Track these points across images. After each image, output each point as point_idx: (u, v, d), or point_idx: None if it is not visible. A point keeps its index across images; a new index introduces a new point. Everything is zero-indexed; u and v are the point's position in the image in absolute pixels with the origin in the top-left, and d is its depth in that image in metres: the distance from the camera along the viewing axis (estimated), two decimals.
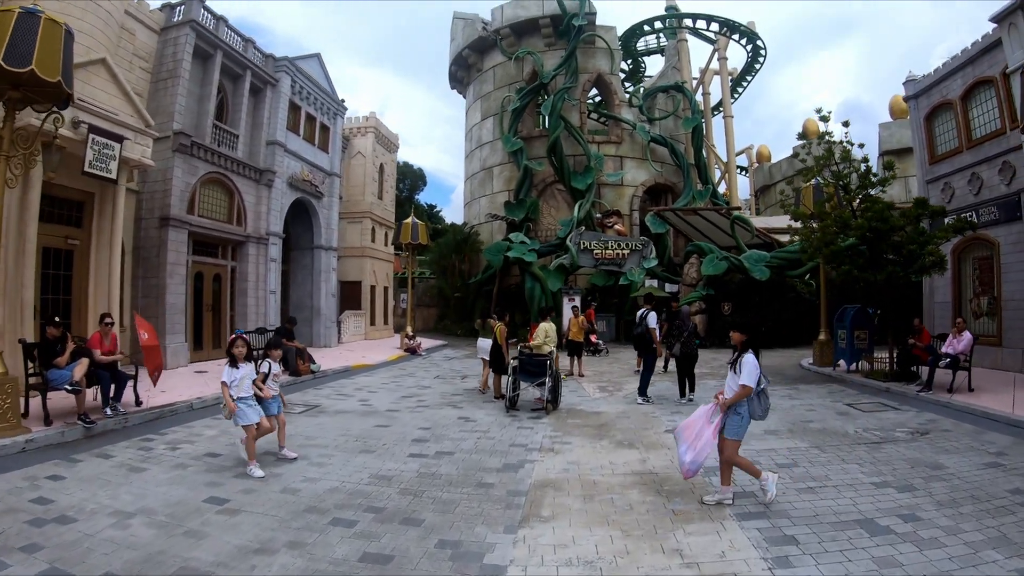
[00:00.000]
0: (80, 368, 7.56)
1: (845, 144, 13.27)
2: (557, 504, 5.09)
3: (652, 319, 10.88)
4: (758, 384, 4.99)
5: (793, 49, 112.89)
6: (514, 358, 9.94)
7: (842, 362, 14.20)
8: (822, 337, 15.55)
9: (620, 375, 14.29)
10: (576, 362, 14.25)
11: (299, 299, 21.13)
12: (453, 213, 75.60)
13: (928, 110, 16.77)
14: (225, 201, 16.55)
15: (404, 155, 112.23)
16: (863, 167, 13.10)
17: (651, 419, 8.83)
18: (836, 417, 8.82)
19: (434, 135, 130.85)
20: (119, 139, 11.11)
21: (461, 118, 35.36)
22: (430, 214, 58.34)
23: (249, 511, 4.87)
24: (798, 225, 14.42)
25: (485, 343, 11.07)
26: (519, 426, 8.37)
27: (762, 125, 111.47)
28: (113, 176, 11.08)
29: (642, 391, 10.43)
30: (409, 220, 21.22)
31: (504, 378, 10.11)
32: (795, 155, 33.27)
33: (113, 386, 8.11)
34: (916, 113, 17.55)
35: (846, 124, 13.53)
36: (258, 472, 5.83)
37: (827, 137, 13.40)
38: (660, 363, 14.69)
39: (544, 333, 10.01)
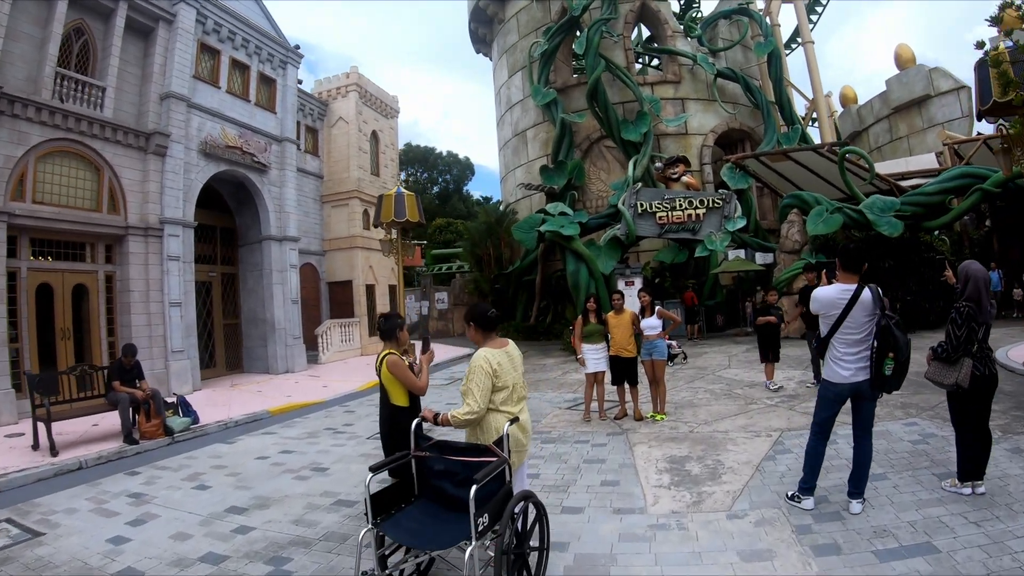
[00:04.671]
0: None
1: None
2: None
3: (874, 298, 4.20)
4: None
5: (847, 10, 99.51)
6: (400, 459, 3.63)
7: None
8: None
9: (715, 411, 7.86)
10: (630, 394, 7.94)
11: (251, 311, 15.83)
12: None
13: None
14: (88, 180, 11.31)
15: (466, 152, 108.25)
16: None
17: None
18: None
19: (494, 131, 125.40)
20: None
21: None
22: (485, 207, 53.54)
23: None
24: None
25: (593, 352, 7.89)
26: None
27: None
28: None
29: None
30: (392, 191, 15.48)
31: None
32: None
33: None
34: None
35: None
36: None
37: None
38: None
39: (480, 375, 3.56)
